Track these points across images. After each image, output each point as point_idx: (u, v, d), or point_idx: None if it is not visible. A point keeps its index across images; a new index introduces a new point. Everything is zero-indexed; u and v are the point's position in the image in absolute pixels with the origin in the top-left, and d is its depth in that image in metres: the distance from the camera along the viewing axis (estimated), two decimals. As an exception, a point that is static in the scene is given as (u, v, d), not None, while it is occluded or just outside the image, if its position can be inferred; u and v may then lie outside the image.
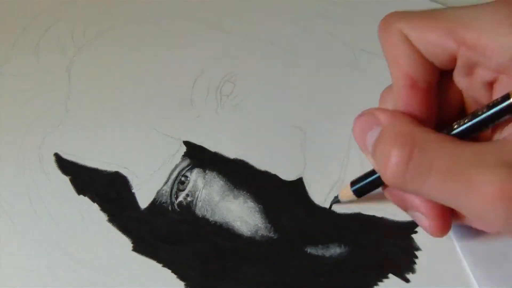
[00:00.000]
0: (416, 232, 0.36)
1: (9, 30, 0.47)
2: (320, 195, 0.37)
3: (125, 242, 0.37)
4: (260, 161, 0.39)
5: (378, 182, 0.34)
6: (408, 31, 0.31)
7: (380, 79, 0.42)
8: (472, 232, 0.34)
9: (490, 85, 0.30)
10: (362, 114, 0.32)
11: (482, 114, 0.29)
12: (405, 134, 0.29)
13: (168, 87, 0.43)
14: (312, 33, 0.45)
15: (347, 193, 0.35)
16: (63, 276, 0.36)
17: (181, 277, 0.35)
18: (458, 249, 0.35)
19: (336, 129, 0.40)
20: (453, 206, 0.28)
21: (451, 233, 0.35)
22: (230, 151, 0.40)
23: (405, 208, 0.33)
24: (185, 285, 0.35)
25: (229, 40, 0.45)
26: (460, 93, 0.32)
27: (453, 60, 0.31)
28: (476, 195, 0.26)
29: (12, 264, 0.36)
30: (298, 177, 0.38)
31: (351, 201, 0.36)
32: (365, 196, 0.35)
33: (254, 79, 0.43)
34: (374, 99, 0.37)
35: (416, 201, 0.31)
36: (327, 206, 0.37)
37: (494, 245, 0.34)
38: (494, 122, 0.29)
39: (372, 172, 0.34)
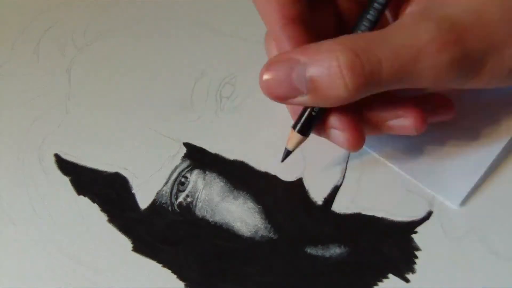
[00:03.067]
0: (416, 232, 0.36)
1: (9, 30, 0.47)
2: (320, 196, 0.37)
3: (125, 243, 0.37)
4: (260, 162, 0.39)
5: (321, 112, 0.34)
6: None
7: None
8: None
9: None
10: (274, 62, 0.32)
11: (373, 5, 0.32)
12: (337, 44, 0.30)
13: (169, 88, 0.43)
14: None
15: (293, 138, 0.35)
16: (63, 276, 0.36)
17: (181, 277, 0.35)
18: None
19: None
20: (409, 81, 0.30)
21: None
22: (230, 152, 0.40)
23: (325, 131, 0.35)
24: (185, 285, 0.35)
25: (229, 42, 0.45)
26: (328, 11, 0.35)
27: None
28: (426, 57, 0.29)
29: (12, 264, 0.36)
30: (298, 177, 0.38)
31: (299, 144, 0.35)
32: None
33: (254, 81, 0.43)
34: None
35: (337, 122, 0.34)
36: (323, 203, 0.37)
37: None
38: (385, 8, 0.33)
39: (305, 110, 0.34)
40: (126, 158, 0.40)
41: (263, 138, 0.40)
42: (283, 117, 0.41)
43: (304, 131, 0.35)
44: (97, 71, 0.44)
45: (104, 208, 0.38)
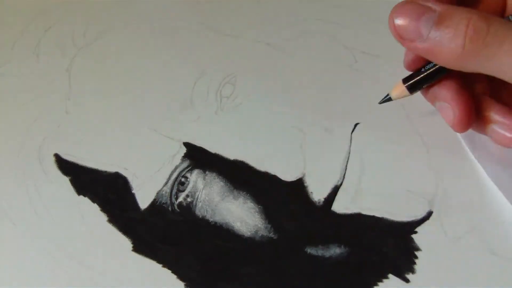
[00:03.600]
0: (416, 232, 0.36)
1: (9, 31, 0.47)
2: (320, 196, 0.37)
3: (125, 243, 0.37)
4: (260, 162, 0.39)
5: (432, 75, 0.34)
6: None
7: (380, 81, 0.42)
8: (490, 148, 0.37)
9: None
10: (407, 3, 0.32)
11: None
12: (468, 12, 0.31)
13: (169, 88, 0.43)
14: (312, 35, 0.45)
15: (399, 89, 0.36)
16: (63, 276, 0.36)
17: (181, 277, 0.35)
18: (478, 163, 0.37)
19: (336, 130, 0.40)
20: None
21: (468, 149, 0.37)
22: (230, 152, 0.40)
23: (435, 99, 0.35)
24: (185, 285, 0.35)
25: (229, 42, 0.45)
26: None
27: None
28: None
29: (12, 264, 0.36)
30: (298, 177, 0.38)
31: (402, 97, 0.36)
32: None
33: (254, 81, 0.43)
34: (374, 100, 0.37)
35: (448, 94, 0.34)
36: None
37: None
38: None
39: (423, 68, 0.35)
40: (126, 158, 0.40)
41: (263, 138, 0.40)
42: (283, 116, 0.41)
43: (413, 88, 0.35)
44: (97, 71, 0.44)
45: (104, 208, 0.38)
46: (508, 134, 0.34)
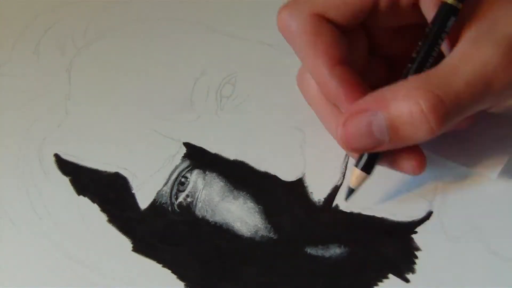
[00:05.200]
0: (416, 232, 0.36)
1: (9, 30, 0.47)
2: (320, 196, 0.37)
3: (125, 243, 0.37)
4: (260, 162, 0.39)
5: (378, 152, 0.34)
6: (323, 9, 0.33)
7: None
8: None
9: (416, 6, 0.33)
10: (347, 119, 0.32)
11: (428, 36, 0.33)
12: (410, 94, 0.30)
13: (168, 88, 0.43)
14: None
15: (356, 176, 0.35)
16: (63, 276, 0.36)
17: (181, 277, 0.35)
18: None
19: (336, 130, 0.40)
20: (487, 98, 0.31)
21: None
22: (230, 152, 0.40)
23: (388, 164, 0.35)
24: (185, 285, 0.35)
25: (229, 42, 0.45)
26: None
27: (375, 4, 0.33)
28: (499, 76, 0.30)
29: (12, 264, 0.36)
30: (298, 177, 0.38)
31: (363, 182, 0.35)
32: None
33: (254, 81, 0.43)
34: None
35: (398, 154, 0.34)
36: (331, 204, 0.37)
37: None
38: (442, 36, 0.33)
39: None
40: (126, 158, 0.40)
41: (263, 138, 0.40)
42: (283, 116, 0.41)
43: (368, 170, 0.34)
44: (97, 71, 0.44)
45: (104, 208, 0.38)
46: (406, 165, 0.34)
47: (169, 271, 0.36)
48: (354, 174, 0.35)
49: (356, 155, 0.34)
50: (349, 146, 0.33)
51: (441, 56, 0.32)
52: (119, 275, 0.36)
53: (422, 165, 0.34)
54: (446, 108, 0.30)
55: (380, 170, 0.38)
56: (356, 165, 0.34)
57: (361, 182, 0.35)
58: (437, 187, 0.37)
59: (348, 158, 0.38)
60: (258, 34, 0.45)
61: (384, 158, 0.34)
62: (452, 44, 0.32)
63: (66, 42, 0.46)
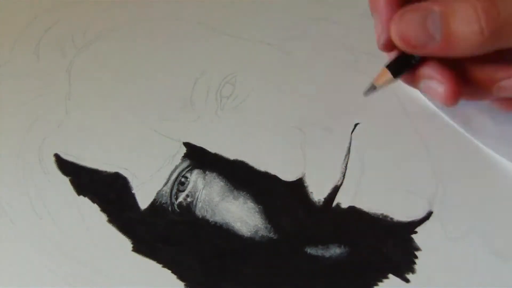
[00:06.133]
0: (416, 232, 0.36)
1: (9, 30, 0.47)
2: (320, 196, 0.37)
3: (125, 243, 0.37)
4: (260, 162, 0.39)
5: (414, 59, 0.34)
6: None
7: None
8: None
9: None
10: (405, 12, 0.32)
11: None
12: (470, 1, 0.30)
13: (168, 88, 0.43)
14: (312, 35, 0.45)
15: (383, 76, 0.35)
16: (63, 276, 0.36)
17: (181, 277, 0.35)
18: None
19: (336, 129, 0.40)
20: None
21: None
22: (230, 152, 0.40)
23: (419, 81, 0.34)
24: (185, 285, 0.35)
25: (229, 42, 0.45)
26: None
27: None
28: None
29: (12, 264, 0.36)
30: (298, 177, 0.38)
31: (387, 83, 0.35)
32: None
33: (254, 81, 0.43)
34: (374, 100, 0.37)
35: (434, 70, 0.33)
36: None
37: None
38: None
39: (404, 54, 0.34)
40: (126, 158, 0.40)
41: (263, 138, 0.40)
42: (283, 116, 0.41)
43: (397, 72, 0.34)
44: (97, 71, 0.44)
45: (104, 208, 0.38)
46: (440, 90, 0.34)
47: (169, 271, 0.36)
48: (381, 72, 0.35)
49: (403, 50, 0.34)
50: (401, 38, 0.33)
51: None
52: (119, 275, 0.36)
53: (452, 93, 0.33)
54: (499, 16, 0.30)
55: (380, 170, 0.38)
56: (387, 66, 0.35)
57: (385, 82, 0.35)
58: (437, 187, 0.37)
59: (348, 158, 0.38)
60: (258, 34, 0.45)
61: (415, 74, 0.34)
62: None
63: (66, 42, 0.46)
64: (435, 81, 0.34)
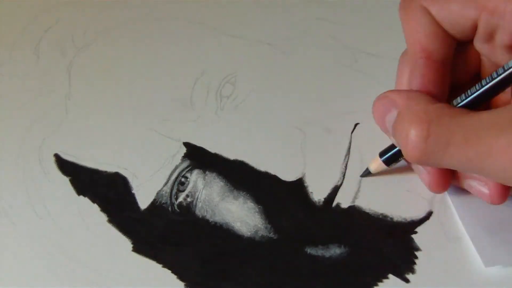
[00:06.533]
0: (416, 232, 0.36)
1: (9, 30, 0.47)
2: (320, 196, 0.37)
3: (125, 243, 0.37)
4: (260, 162, 0.39)
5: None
6: (430, 4, 0.33)
7: (380, 81, 0.42)
8: (470, 200, 0.36)
9: (510, 48, 0.32)
10: (380, 98, 0.34)
11: (488, 82, 0.31)
12: (421, 112, 0.30)
13: (168, 88, 0.43)
14: (312, 35, 0.45)
15: (376, 164, 0.37)
16: (63, 276, 0.36)
17: (181, 277, 0.35)
18: (456, 215, 0.36)
19: (336, 130, 0.40)
20: (474, 172, 0.31)
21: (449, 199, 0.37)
22: (230, 152, 0.40)
23: (461, 180, 0.35)
24: (185, 285, 0.35)
25: (229, 42, 0.45)
26: (475, 62, 0.35)
27: (474, 28, 0.33)
28: (495, 158, 0.28)
29: (12, 264, 0.36)
30: (298, 177, 0.38)
31: (380, 171, 0.37)
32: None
33: (254, 81, 0.43)
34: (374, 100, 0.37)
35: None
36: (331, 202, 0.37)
37: (491, 213, 0.36)
38: (503, 87, 0.31)
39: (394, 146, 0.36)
40: (126, 158, 0.40)
41: (263, 138, 0.40)
42: (283, 116, 0.41)
43: (388, 163, 0.36)
44: (97, 71, 0.44)
45: (104, 208, 0.38)
46: (484, 190, 0.34)
47: (169, 271, 0.36)
48: (375, 161, 0.37)
49: None
50: (373, 114, 0.34)
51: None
52: (119, 275, 0.36)
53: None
54: (427, 148, 0.30)
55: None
56: (380, 155, 0.36)
57: (379, 170, 0.37)
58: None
59: (348, 158, 0.38)
60: (258, 34, 0.45)
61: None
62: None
63: (66, 42, 0.46)
64: (476, 180, 0.34)
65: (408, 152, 0.30)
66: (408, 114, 0.31)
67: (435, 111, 0.30)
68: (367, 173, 0.38)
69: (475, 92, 0.32)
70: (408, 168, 0.38)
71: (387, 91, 0.34)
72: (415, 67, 0.33)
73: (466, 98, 0.32)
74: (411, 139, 0.30)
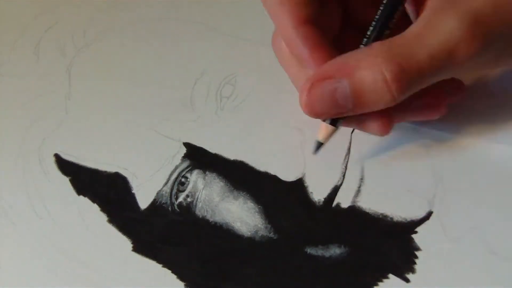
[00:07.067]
0: (416, 232, 0.36)
1: (9, 31, 0.47)
2: (320, 196, 0.37)
3: (125, 243, 0.37)
4: (260, 162, 0.39)
5: None
6: None
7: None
8: None
9: None
10: (312, 86, 0.33)
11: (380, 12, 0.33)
12: (374, 62, 0.31)
13: (168, 88, 0.43)
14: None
15: (323, 129, 0.35)
16: (63, 276, 0.36)
17: (181, 277, 0.35)
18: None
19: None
20: (446, 75, 0.32)
21: None
22: (230, 152, 0.40)
23: (355, 123, 0.35)
24: (185, 285, 0.35)
25: (229, 42, 0.45)
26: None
27: None
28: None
29: (12, 264, 0.36)
30: (298, 177, 0.38)
31: (331, 135, 0.36)
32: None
33: (254, 81, 0.43)
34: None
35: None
36: (324, 202, 0.37)
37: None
38: (392, 16, 0.33)
39: None
40: (126, 158, 0.40)
41: (263, 138, 0.40)
42: (283, 116, 0.41)
43: (334, 122, 0.35)
44: (97, 71, 0.44)
45: (104, 208, 0.38)
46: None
47: (169, 271, 0.36)
48: (322, 128, 0.35)
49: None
50: (313, 112, 0.33)
51: (409, 23, 0.33)
52: (119, 275, 0.36)
53: (387, 126, 0.34)
54: (408, 78, 0.31)
55: (379, 170, 0.38)
56: (324, 120, 0.35)
57: (329, 135, 0.35)
58: (437, 187, 0.37)
59: (348, 158, 0.38)
60: (258, 34, 0.45)
61: (351, 118, 0.34)
62: (418, 12, 0.33)
63: (66, 42, 0.46)
64: (370, 120, 0.35)
65: (394, 92, 0.31)
66: (368, 67, 0.31)
67: (387, 49, 0.31)
68: (318, 146, 0.36)
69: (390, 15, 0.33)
70: (408, 168, 0.38)
71: (310, 77, 0.33)
72: (293, 37, 0.33)
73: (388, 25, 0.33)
74: (391, 81, 0.30)
